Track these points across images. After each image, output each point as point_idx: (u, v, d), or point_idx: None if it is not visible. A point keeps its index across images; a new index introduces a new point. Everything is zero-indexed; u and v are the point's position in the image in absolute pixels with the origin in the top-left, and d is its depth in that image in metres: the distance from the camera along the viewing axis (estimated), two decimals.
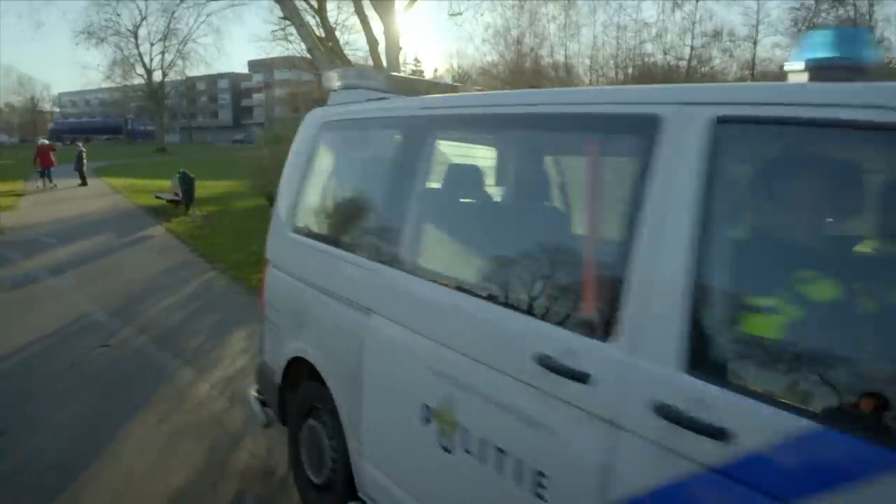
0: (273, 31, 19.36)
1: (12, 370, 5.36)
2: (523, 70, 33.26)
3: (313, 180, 3.43)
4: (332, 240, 3.12)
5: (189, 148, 65.44)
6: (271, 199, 14.90)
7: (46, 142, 24.14)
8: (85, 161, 23.67)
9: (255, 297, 7.61)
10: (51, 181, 22.45)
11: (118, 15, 61.08)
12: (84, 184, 23.04)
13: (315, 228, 3.37)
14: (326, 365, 2.95)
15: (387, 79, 3.35)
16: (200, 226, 13.50)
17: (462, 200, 2.89)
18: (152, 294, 7.82)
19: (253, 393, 3.84)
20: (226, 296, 7.83)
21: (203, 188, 16.85)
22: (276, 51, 23.59)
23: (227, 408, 4.55)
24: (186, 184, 15.05)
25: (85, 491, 3.51)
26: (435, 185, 2.85)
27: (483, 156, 3.22)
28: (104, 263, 9.84)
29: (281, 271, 3.48)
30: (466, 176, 2.97)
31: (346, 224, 3.22)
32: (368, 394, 2.65)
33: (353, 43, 39.09)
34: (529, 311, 2.06)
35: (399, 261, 2.58)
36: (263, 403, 3.70)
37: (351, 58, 12.70)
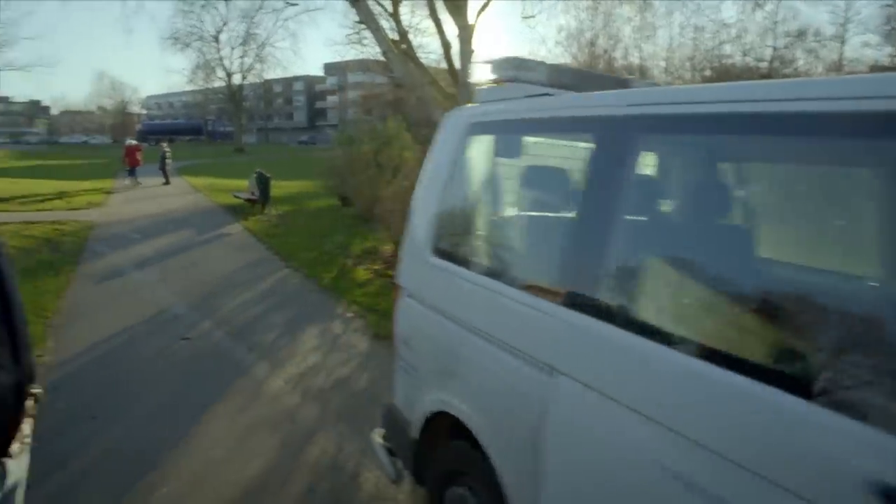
0: (348, 34, 19.70)
1: (103, 358, 5.65)
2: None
3: (460, 194, 2.87)
4: (492, 271, 2.48)
5: (265, 148, 67.30)
6: (343, 199, 15.24)
7: (134, 142, 25.28)
8: (168, 161, 24.68)
9: (326, 295, 7.81)
10: (136, 179, 23.53)
11: (201, 21, 63.58)
12: (167, 182, 24.00)
13: (467, 254, 2.73)
14: (485, 428, 2.35)
15: (549, 71, 2.70)
16: (275, 224, 13.89)
17: (706, 227, 2.08)
18: (230, 289, 8.10)
19: (378, 439, 3.26)
20: (299, 293, 8.03)
21: (278, 188, 17.32)
22: (351, 54, 23.92)
23: (300, 403, 4.67)
24: (263, 183, 15.50)
25: (167, 475, 3.66)
26: (655, 206, 2.25)
27: (727, 169, 2.31)
28: (185, 259, 10.25)
29: (419, 303, 2.84)
30: (708, 195, 2.11)
31: (512, 252, 2.64)
32: (554, 479, 1.99)
33: (426, 46, 39.39)
34: (854, 410, 1.26)
35: (601, 309, 1.89)
36: (391, 452, 3.15)
37: (423, 61, 12.82)
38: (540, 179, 2.68)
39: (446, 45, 10.49)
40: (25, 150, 58.60)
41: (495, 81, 2.73)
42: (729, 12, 38.55)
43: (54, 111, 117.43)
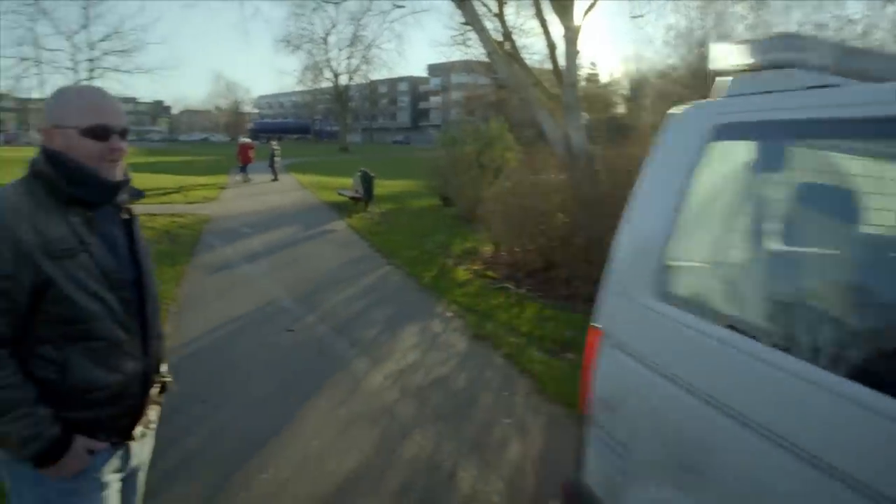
0: (453, 35, 19.85)
1: (213, 346, 5.92)
2: (706, 73, 31.57)
3: (702, 219, 2.13)
4: (770, 334, 1.68)
5: (369, 148, 68.88)
6: (445, 199, 15.35)
7: (248, 140, 26.47)
8: (277, 158, 25.69)
9: (426, 293, 7.86)
10: (248, 176, 24.63)
11: (312, 24, 65.86)
12: (275, 179, 24.98)
13: (721, 305, 1.97)
14: None
15: (838, 53, 1.92)
16: (378, 222, 14.16)
17: None
18: (333, 284, 8.30)
19: None
20: (400, 291, 8.13)
21: (381, 186, 17.66)
22: (455, 55, 24.13)
23: (398, 399, 4.71)
24: (366, 182, 15.85)
25: (268, 462, 3.77)
26: None
27: None
28: (291, 253, 10.60)
29: (634, 359, 2.03)
30: None
31: (804, 310, 1.74)
32: None
33: (530, 47, 39.21)
34: None
35: None
36: None
37: (527, 62, 12.73)
38: (835, 204, 1.88)
39: (551, 46, 10.35)
40: (149, 147, 62.42)
41: (751, 68, 1.99)
42: (854, 8, 35.39)
43: (175, 111, 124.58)
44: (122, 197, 1.81)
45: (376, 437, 4.14)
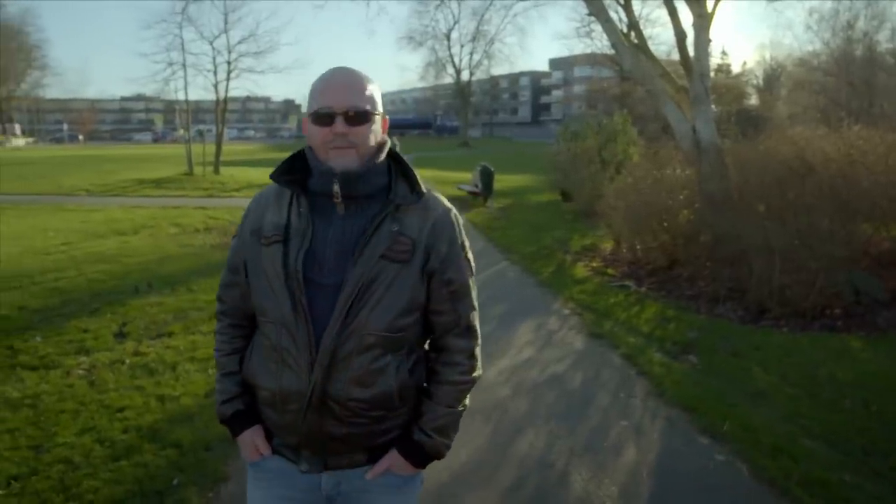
0: (576, 28, 19.51)
1: None
2: (852, 59, 29.37)
3: None
4: None
5: (489, 143, 69.00)
6: (564, 194, 15.14)
7: None
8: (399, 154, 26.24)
9: (543, 290, 7.78)
10: None
11: (435, 20, 66.81)
12: None
13: None
14: None
15: None
16: (496, 217, 14.16)
17: None
18: None
19: None
20: (516, 286, 8.10)
21: (500, 181, 17.63)
22: (578, 48, 23.74)
23: (512, 395, 4.68)
24: (486, 177, 15.88)
25: None
26: None
27: None
28: None
29: None
30: None
31: None
32: None
33: (656, 37, 37.97)
34: None
35: None
36: None
37: (653, 52, 12.27)
38: None
39: (680, 35, 9.91)
40: (278, 144, 65.46)
41: None
42: None
43: (304, 108, 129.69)
44: (336, 188, 1.52)
45: (489, 431, 4.14)
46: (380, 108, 1.62)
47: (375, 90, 1.61)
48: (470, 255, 1.69)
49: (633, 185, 9.59)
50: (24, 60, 78.56)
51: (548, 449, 3.90)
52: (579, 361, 5.42)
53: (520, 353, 5.62)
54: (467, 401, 1.73)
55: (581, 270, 8.80)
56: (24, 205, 16.04)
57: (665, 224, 8.42)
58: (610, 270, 8.68)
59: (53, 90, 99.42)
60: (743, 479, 3.54)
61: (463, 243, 1.67)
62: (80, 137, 78.99)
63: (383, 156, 1.63)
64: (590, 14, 11.21)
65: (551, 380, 5.01)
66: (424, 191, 1.62)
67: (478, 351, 1.72)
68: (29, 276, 8.10)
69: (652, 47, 12.67)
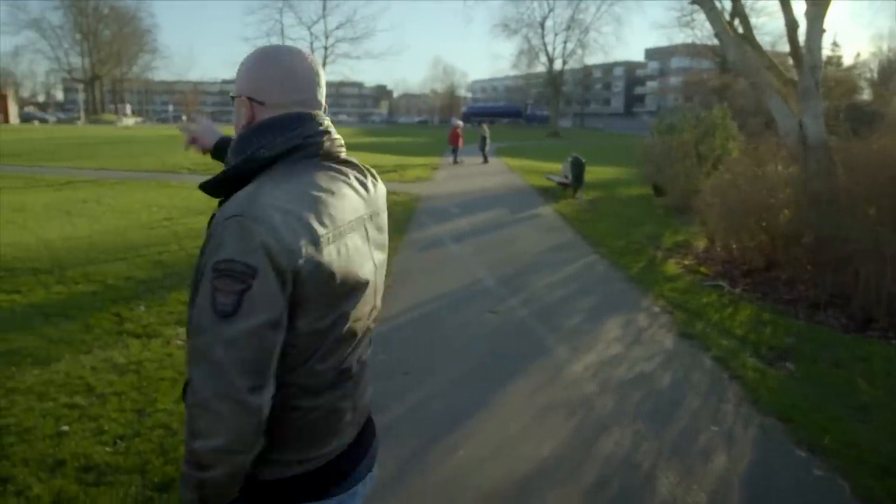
0: (677, 17, 18.85)
1: (420, 320, 6.19)
2: None
3: None
4: None
5: (580, 133, 67.95)
6: (657, 188, 14.72)
7: (460, 123, 27.25)
8: (488, 142, 26.20)
9: (632, 285, 7.61)
10: (458, 158, 25.44)
11: (530, 8, 66.09)
12: (485, 162, 25.52)
13: None
14: None
15: None
16: (585, 209, 13.92)
17: None
18: (536, 269, 8.31)
19: None
20: (605, 280, 7.94)
21: (590, 173, 17.29)
22: (678, 37, 22.96)
23: (598, 392, 4.60)
24: (577, 168, 15.61)
25: (465, 439, 3.86)
26: None
27: None
28: (497, 235, 10.77)
29: None
30: None
31: None
32: None
33: (761, 27, 36.27)
34: None
35: None
36: None
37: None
38: None
39: (792, 25, 9.40)
40: (370, 128, 66.55)
41: None
42: None
43: (395, 94, 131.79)
44: None
45: (573, 427, 4.08)
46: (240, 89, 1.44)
47: (241, 68, 1.46)
48: (228, 287, 1.17)
49: (731, 181, 9.21)
50: (137, 45, 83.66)
51: (634, 449, 3.81)
52: (668, 361, 5.26)
53: (607, 348, 5.51)
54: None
55: (672, 267, 8.54)
56: (131, 181, 17.00)
57: (764, 223, 8.05)
58: (703, 269, 8.39)
59: (161, 73, 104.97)
60: (844, 498, 3.34)
61: (217, 264, 1.18)
62: (184, 118, 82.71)
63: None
64: (693, 2, 10.79)
65: (639, 378, 4.88)
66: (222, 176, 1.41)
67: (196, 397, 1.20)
68: (134, 249, 8.58)
69: (757, 37, 12.09)
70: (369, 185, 1.54)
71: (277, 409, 1.27)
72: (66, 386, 4.42)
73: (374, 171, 1.65)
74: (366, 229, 1.46)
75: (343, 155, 1.49)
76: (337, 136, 1.47)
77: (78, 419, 3.95)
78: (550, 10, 61.68)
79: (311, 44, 24.33)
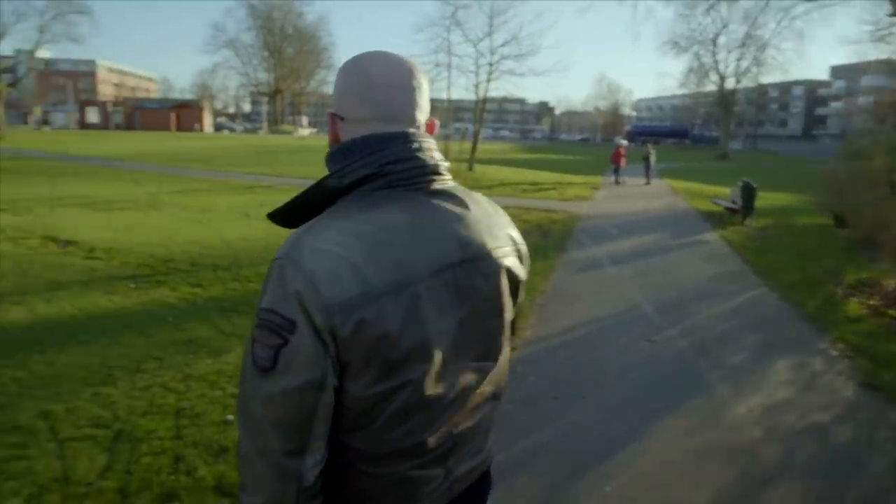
0: (872, 31, 17.22)
1: (573, 343, 6.02)
2: None
3: None
4: None
5: (751, 156, 64.18)
6: (838, 218, 13.48)
7: (624, 142, 26.57)
8: (653, 162, 25.36)
9: (806, 324, 6.97)
10: (620, 178, 24.84)
11: (701, 25, 63.54)
12: (648, 183, 24.69)
13: None
14: None
15: None
16: (755, 238, 13.02)
17: None
18: (698, 299, 7.84)
19: None
20: (775, 316, 7.32)
21: (761, 199, 16.19)
22: (871, 54, 21.02)
23: (763, 439, 4.21)
24: (748, 193, 14.65)
25: (612, 474, 3.66)
26: None
27: None
28: (657, 260, 10.31)
29: None
30: None
31: None
32: None
33: None
34: None
35: None
36: None
37: None
38: None
39: None
40: (531, 145, 66.68)
41: None
42: None
43: (557, 111, 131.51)
44: None
45: (734, 476, 3.76)
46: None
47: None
48: (265, 340, 1.06)
49: None
50: (315, 61, 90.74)
51: None
52: (849, 414, 4.72)
53: (775, 392, 5.05)
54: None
55: (855, 307, 7.73)
56: (301, 187, 18.04)
57: None
58: (892, 312, 7.52)
59: None
60: None
61: (259, 312, 1.09)
62: None
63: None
64: (892, 15, 9.81)
65: (812, 429, 4.42)
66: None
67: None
68: None
69: None
70: (471, 223, 1.23)
71: (340, 470, 1.16)
72: (234, 377, 4.72)
73: (492, 206, 1.35)
74: (452, 280, 1.17)
75: (437, 185, 1.22)
76: (434, 159, 1.22)
77: None
78: (724, 26, 58.36)
79: (477, 60, 24.86)
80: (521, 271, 1.36)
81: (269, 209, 1.25)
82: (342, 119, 1.23)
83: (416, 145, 1.19)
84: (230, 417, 4.09)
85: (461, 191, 1.27)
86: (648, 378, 5.23)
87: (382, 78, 1.20)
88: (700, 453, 4.00)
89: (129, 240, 9.75)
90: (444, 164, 1.25)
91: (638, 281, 8.64)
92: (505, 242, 1.29)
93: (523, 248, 1.39)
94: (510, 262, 1.30)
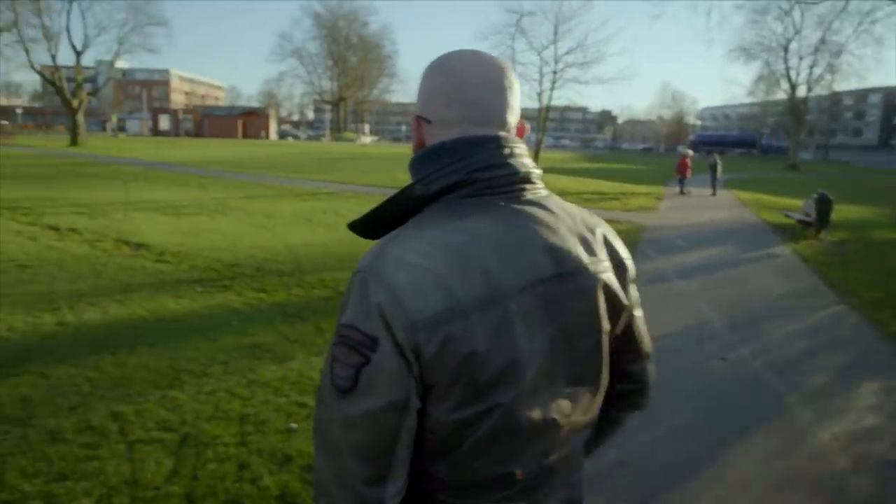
0: None
1: None
2: None
3: None
4: None
5: (823, 167, 62.01)
6: None
7: (690, 152, 25.91)
8: (719, 172, 24.65)
9: (893, 346, 6.56)
10: (686, 188, 24.22)
11: (772, 31, 61.77)
12: (714, 194, 24.00)
13: None
14: None
15: None
16: (831, 252, 12.45)
17: None
18: (771, 315, 7.50)
19: None
20: (856, 337, 6.94)
21: (837, 211, 15.53)
22: None
23: (852, 469, 3.94)
24: (823, 205, 14.03)
25: (686, 501, 3.48)
26: None
27: None
28: (727, 274, 9.95)
29: None
30: None
31: None
32: None
33: None
34: None
35: None
36: None
37: None
38: None
39: None
40: (592, 154, 65.94)
41: None
42: None
43: (620, 120, 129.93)
44: None
45: None
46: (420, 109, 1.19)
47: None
48: (345, 358, 1.01)
49: None
50: (378, 70, 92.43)
51: None
52: None
53: (862, 418, 4.75)
54: None
55: None
56: (365, 194, 18.39)
57: None
58: None
59: (397, 95, 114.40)
60: None
61: (339, 328, 1.05)
62: None
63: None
64: None
65: None
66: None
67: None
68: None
69: None
70: (566, 235, 1.13)
71: (421, 501, 1.09)
72: (297, 384, 4.71)
73: (593, 217, 1.24)
74: (542, 296, 1.06)
75: (529, 194, 1.13)
76: (526, 166, 1.13)
77: (306, 418, 4.16)
78: (797, 33, 56.47)
79: (541, 69, 24.69)
80: (622, 290, 1.23)
81: (332, 215, 1.19)
82: (428, 122, 1.15)
83: (507, 150, 1.11)
84: (294, 426, 4.06)
85: (555, 201, 1.17)
86: (722, 398, 4.99)
87: (472, 77, 1.12)
88: (782, 482, 3.77)
89: (197, 244, 9.96)
90: (537, 172, 1.16)
91: (707, 295, 8.34)
92: (603, 257, 1.18)
93: (630, 263, 1.27)
94: (607, 277, 1.17)
